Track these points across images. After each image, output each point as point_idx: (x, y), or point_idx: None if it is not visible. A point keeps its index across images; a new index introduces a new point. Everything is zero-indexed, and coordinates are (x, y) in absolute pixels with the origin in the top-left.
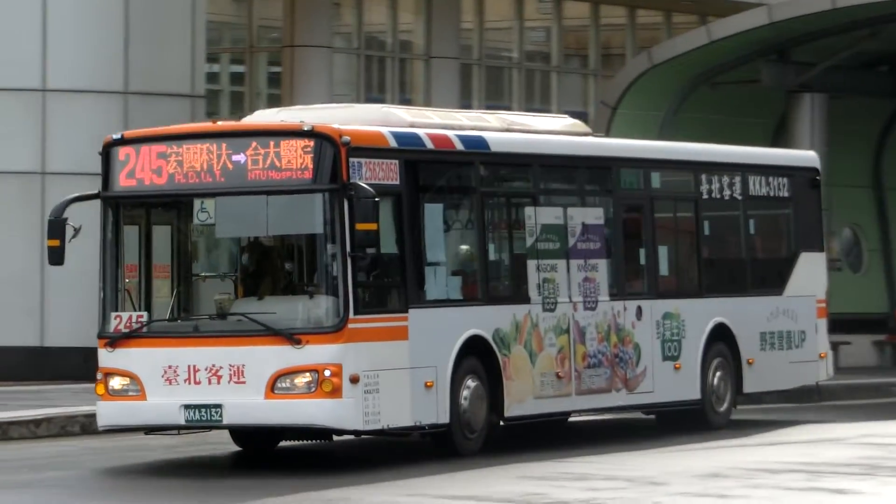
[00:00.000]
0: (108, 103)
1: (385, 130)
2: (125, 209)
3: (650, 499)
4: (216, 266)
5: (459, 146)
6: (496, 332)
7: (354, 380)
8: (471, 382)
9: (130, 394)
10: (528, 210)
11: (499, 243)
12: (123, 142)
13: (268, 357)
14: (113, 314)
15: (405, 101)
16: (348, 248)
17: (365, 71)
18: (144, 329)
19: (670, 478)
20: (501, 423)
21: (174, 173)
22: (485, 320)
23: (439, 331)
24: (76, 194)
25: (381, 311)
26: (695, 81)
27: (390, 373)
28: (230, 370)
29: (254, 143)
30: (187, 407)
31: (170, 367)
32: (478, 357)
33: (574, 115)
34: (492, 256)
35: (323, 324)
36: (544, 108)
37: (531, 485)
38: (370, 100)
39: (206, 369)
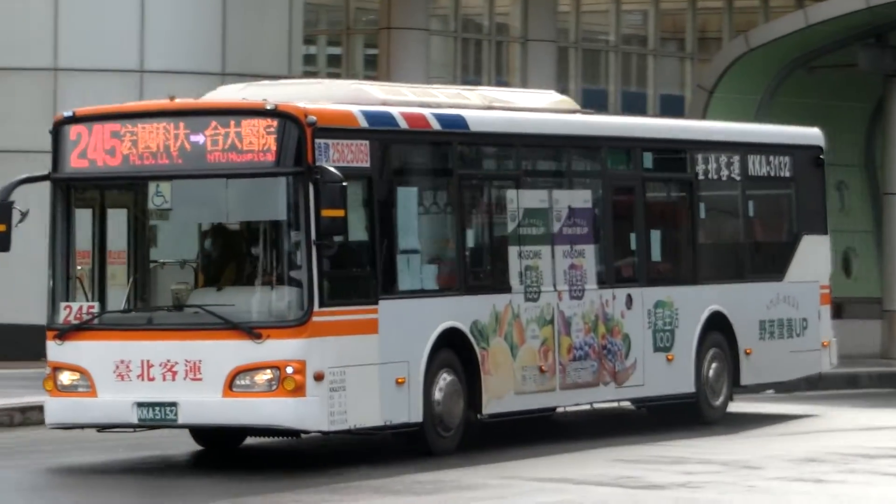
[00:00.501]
0: (205, 84)
1: (355, 109)
2: (76, 192)
3: (746, 482)
4: (175, 252)
5: (436, 125)
6: (474, 324)
7: (319, 377)
8: (446, 377)
9: (80, 390)
10: (510, 193)
11: (478, 229)
12: (75, 120)
13: (226, 352)
14: (63, 304)
15: (501, 83)
16: (313, 236)
17: (461, 54)
18: (95, 321)
19: (766, 462)
20: (479, 418)
21: (128, 154)
22: (462, 311)
23: (412, 323)
24: (24, 176)
25: (349, 302)
26: (791, 65)
27: (358, 369)
28: (186, 366)
29: (213, 123)
30: (140, 405)
31: (122, 361)
32: (454, 351)
33: (671, 98)
34: (470, 243)
35: (285, 317)
36: (640, 91)
37: (626, 468)
38: (466, 82)
39: (160, 364)
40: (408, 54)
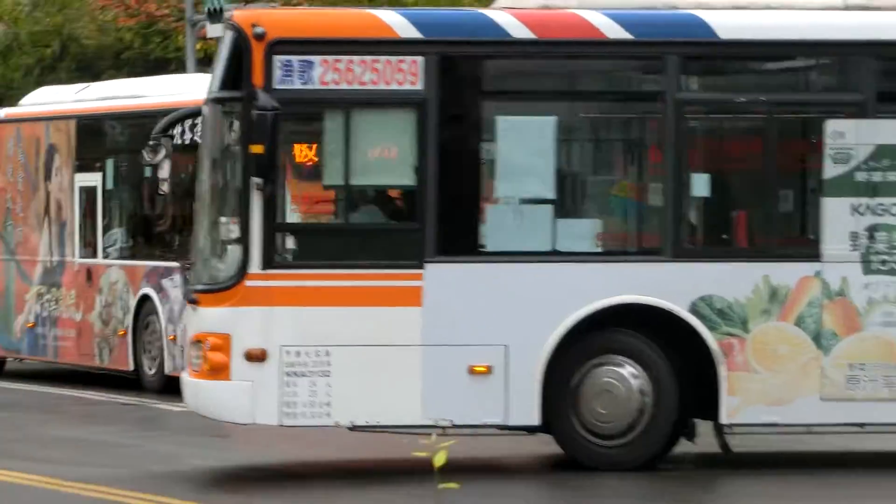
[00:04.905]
0: None
1: (389, 15)
2: None
3: None
4: None
5: (618, 34)
6: (704, 301)
7: (255, 356)
8: (607, 369)
9: None
10: (834, 125)
11: (727, 173)
12: None
13: (189, 321)
14: None
15: None
16: (262, 177)
17: None
18: None
19: None
20: (724, 427)
21: None
22: (669, 283)
23: (522, 295)
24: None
25: (356, 265)
26: None
27: (366, 350)
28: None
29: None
30: None
31: None
32: (648, 335)
33: None
34: (701, 191)
35: (217, 279)
36: None
37: None
38: None
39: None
40: None
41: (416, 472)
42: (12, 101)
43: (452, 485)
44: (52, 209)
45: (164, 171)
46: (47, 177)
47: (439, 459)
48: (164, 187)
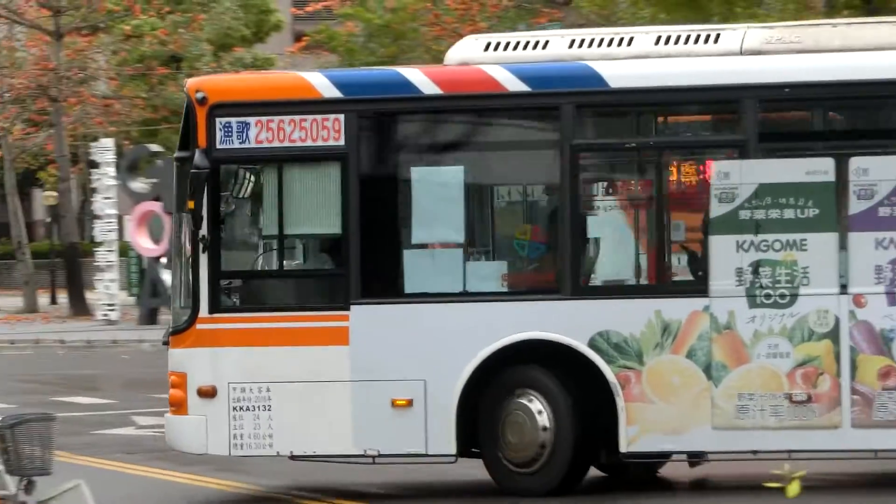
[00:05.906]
0: None
1: (315, 77)
2: None
3: None
4: None
5: (517, 87)
6: (602, 336)
7: (206, 393)
8: (521, 402)
9: None
10: (722, 166)
11: (618, 216)
12: None
13: None
14: None
15: None
16: (199, 230)
17: None
18: None
19: None
20: (622, 455)
21: None
22: (570, 320)
23: (438, 333)
24: None
25: (288, 308)
26: None
27: (300, 386)
28: None
29: None
30: None
31: None
32: (548, 370)
33: None
34: (596, 233)
35: (178, 322)
36: None
37: None
38: None
39: None
40: None
41: None
42: None
43: None
44: None
45: None
46: None
47: (792, 490)
48: None
